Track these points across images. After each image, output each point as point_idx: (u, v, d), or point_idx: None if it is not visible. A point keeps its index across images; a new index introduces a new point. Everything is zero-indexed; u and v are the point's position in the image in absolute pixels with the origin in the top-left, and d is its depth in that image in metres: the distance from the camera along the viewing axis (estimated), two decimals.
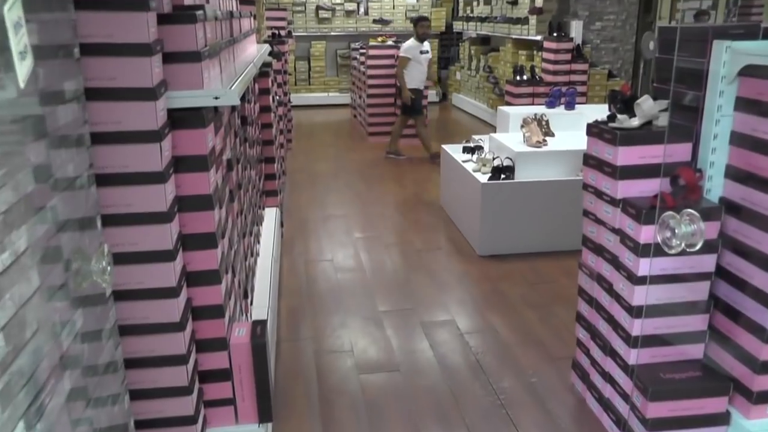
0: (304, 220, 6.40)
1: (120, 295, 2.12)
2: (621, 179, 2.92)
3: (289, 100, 9.60)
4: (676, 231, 2.01)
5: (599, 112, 6.45)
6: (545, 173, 5.54)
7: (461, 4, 13.77)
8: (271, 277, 4.31)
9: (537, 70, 9.06)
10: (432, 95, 13.10)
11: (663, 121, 2.98)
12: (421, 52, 8.22)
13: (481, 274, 5.10)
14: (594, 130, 3.14)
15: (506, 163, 5.55)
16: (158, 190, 2.13)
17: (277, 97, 6.82)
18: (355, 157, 9.00)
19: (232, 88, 2.45)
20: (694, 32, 3.13)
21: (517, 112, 6.38)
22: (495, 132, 7.03)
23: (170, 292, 2.22)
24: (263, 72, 5.47)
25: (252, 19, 4.94)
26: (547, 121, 6.16)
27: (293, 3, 13.38)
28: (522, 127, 5.76)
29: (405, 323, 4.31)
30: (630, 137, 2.92)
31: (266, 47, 5.03)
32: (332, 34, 13.72)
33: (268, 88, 5.48)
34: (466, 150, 6.36)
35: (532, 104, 8.69)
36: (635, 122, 2.99)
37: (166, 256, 2.18)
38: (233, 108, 3.36)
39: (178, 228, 2.31)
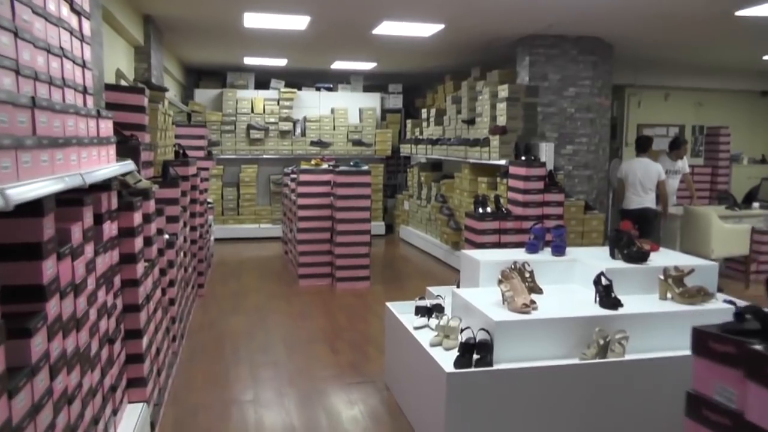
0: (194, 409, 4.49)
1: None
2: None
3: (204, 235, 7.85)
4: None
5: (599, 258, 4.73)
6: (536, 350, 3.82)
7: (409, 126, 12.41)
8: None
9: (502, 200, 7.52)
10: (376, 227, 11.50)
11: None
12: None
13: None
14: (719, 349, 1.41)
15: (480, 336, 3.81)
16: None
17: (166, 236, 5.05)
18: (280, 308, 7.19)
19: None
20: None
21: (490, 258, 4.71)
22: (456, 279, 5.37)
23: None
24: (127, 204, 3.74)
25: (100, 121, 3.23)
26: (531, 272, 4.50)
27: (221, 122, 11.85)
28: (500, 282, 4.07)
29: None
30: None
31: (115, 167, 3.27)
32: (265, 157, 12.16)
33: (133, 227, 3.73)
34: (420, 311, 4.63)
35: (499, 242, 7.09)
36: None
37: None
38: None
39: None
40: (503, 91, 8.08)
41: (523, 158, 7.35)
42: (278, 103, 12.11)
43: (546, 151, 7.80)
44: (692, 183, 9.25)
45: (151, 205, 4.33)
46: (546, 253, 4.94)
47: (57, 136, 2.49)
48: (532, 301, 3.96)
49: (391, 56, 10.42)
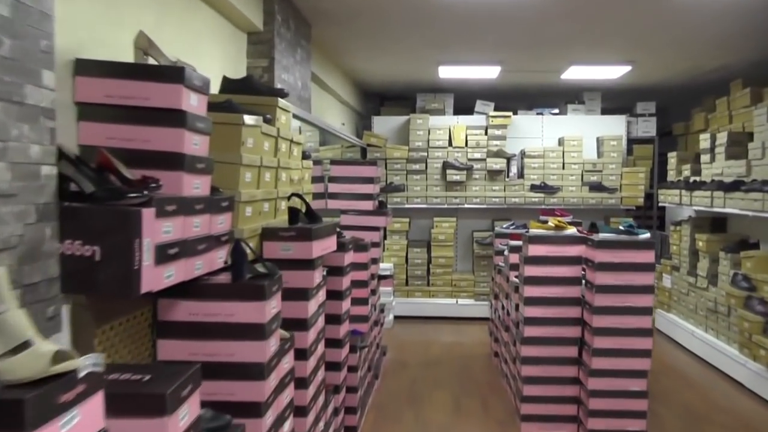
0: None
1: None
2: None
3: (358, 345, 4.72)
4: None
5: None
6: None
7: (672, 163, 8.65)
8: None
9: None
10: None
11: None
12: None
13: None
14: None
15: None
16: None
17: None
18: None
19: None
20: None
21: None
22: None
23: None
24: None
25: None
26: None
27: (407, 159, 8.76)
28: None
29: None
30: None
31: None
32: (466, 207, 8.89)
33: None
34: None
35: None
36: None
37: None
38: None
39: None
40: None
41: None
42: (486, 132, 8.85)
43: None
44: None
45: None
46: None
47: None
48: None
49: (660, 50, 6.88)
